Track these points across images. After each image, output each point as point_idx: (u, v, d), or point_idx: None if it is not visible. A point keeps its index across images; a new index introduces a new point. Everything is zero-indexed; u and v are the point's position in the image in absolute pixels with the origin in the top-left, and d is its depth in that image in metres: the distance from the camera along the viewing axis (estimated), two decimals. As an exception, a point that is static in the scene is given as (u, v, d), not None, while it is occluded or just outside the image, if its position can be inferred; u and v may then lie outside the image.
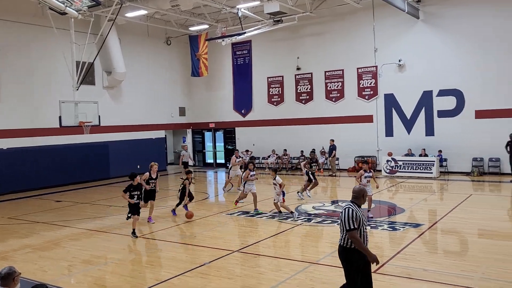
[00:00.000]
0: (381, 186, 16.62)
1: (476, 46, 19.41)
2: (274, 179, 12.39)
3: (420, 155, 20.25)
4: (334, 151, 22.01)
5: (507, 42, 18.68)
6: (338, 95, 23.48)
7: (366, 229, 5.65)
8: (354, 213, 5.49)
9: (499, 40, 18.88)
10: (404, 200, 15.05)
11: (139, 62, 25.23)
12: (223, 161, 27.78)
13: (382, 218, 12.20)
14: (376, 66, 22.16)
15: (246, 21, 22.64)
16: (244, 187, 13.70)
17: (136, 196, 11.14)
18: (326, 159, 22.78)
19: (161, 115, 26.55)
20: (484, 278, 7.46)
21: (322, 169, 22.62)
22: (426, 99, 20.95)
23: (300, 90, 24.71)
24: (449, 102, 20.29)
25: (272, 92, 25.75)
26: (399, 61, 21.39)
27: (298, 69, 24.56)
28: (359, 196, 5.72)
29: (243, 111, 26.87)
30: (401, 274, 7.73)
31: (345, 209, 5.60)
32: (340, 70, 23.31)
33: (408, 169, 20.15)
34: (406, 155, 20.67)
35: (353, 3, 20.53)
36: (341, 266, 5.74)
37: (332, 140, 22.04)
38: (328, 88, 23.75)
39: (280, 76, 25.37)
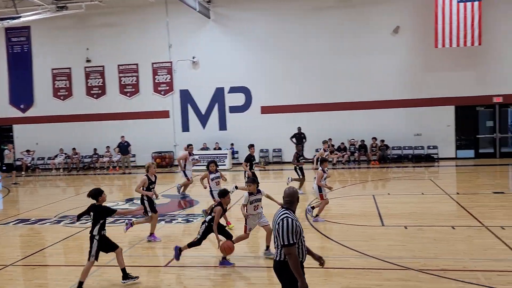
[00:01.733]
0: (179, 180, 16.67)
1: (260, 47, 21.26)
2: None
3: (214, 149, 21.19)
4: (129, 148, 21.30)
5: (286, 45, 20.98)
6: (133, 90, 22.73)
7: (304, 241, 4.71)
8: (294, 223, 4.52)
9: (280, 43, 21.07)
10: (200, 191, 15.38)
11: None
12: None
13: (177, 211, 12.21)
14: (171, 62, 22.22)
15: (22, 4, 19.88)
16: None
17: None
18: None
19: None
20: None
21: (118, 167, 21.65)
22: (218, 96, 22.00)
23: (91, 84, 23.03)
24: (239, 99, 21.76)
25: (58, 86, 23.34)
26: (193, 58, 21.91)
27: (88, 61, 22.85)
28: (293, 201, 4.76)
29: (22, 106, 23.64)
30: (191, 264, 7.76)
31: (282, 219, 4.56)
32: (134, 64, 22.60)
33: (204, 162, 20.76)
34: (202, 149, 21.34)
35: (145, -4, 20.13)
36: None
37: (123, 137, 21.26)
38: (122, 83, 22.77)
39: (67, 68, 23.19)
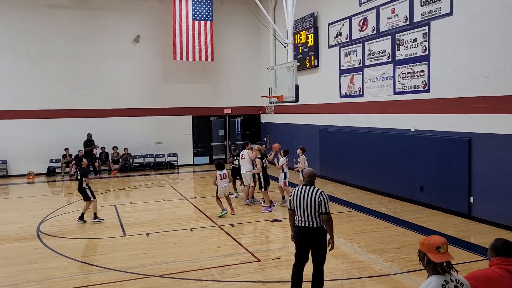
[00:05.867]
0: None
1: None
2: None
3: None
4: None
5: (15, 42, 18.31)
6: None
7: None
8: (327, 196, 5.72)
9: (7, 39, 18.24)
10: None
11: None
12: None
13: None
14: None
15: None
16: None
17: None
18: None
19: None
20: (-17, 289, 6.67)
21: None
22: None
23: None
24: None
25: None
26: None
27: None
28: (313, 179, 5.83)
29: None
30: None
31: (321, 193, 5.63)
32: None
33: None
34: None
35: None
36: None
37: None
38: None
39: None
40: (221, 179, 10.86)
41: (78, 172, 10.88)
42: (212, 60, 20.11)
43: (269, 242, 9.01)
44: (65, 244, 8.85)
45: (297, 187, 5.83)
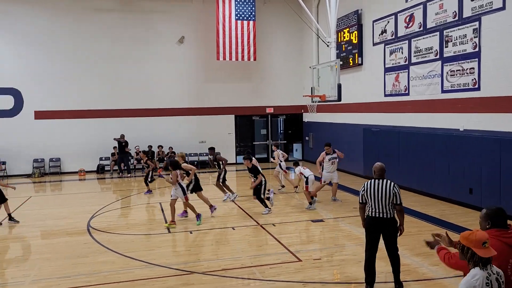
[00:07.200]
0: None
1: (33, 45, 18.92)
2: None
3: (-26, 160, 17.85)
4: None
5: (64, 45, 19.19)
6: None
7: None
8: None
9: (57, 42, 19.14)
10: None
11: None
12: None
13: None
14: None
15: None
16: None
17: None
18: None
19: None
20: (36, 280, 7.04)
21: None
22: (-21, 97, 18.67)
23: None
24: (6, 102, 18.88)
25: None
26: None
27: None
28: (384, 172, 6.16)
29: None
30: None
31: (395, 185, 6.07)
32: None
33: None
34: (-44, 160, 17.73)
35: None
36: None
37: None
38: None
39: None
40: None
41: None
42: (255, 59, 20.22)
43: (310, 243, 8.96)
44: (114, 240, 9.19)
45: (369, 181, 6.20)
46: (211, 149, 13.64)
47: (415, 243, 8.38)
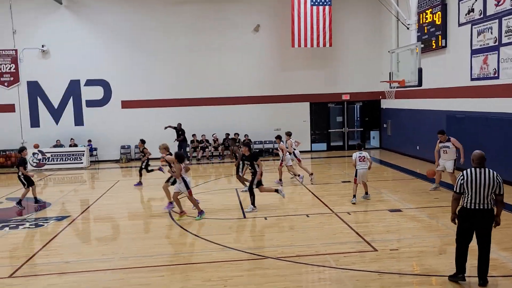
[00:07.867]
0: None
1: (119, 39, 20.15)
2: None
3: (70, 146, 19.52)
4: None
5: (147, 38, 20.23)
6: (-32, 80, 19.75)
7: None
8: None
9: (140, 36, 20.22)
10: (54, 193, 14.02)
11: None
12: None
13: (25, 216, 10.89)
14: (16, 50, 19.82)
15: None
16: None
17: None
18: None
19: None
20: (123, 257, 7.61)
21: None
22: (73, 88, 20.31)
23: None
24: (97, 92, 20.38)
25: None
26: (42, 46, 19.84)
27: None
28: (483, 161, 5.81)
29: None
30: (41, 272, 6.95)
31: (497, 174, 5.76)
32: (-31, 50, 19.64)
33: (57, 160, 19.05)
34: (55, 146, 19.50)
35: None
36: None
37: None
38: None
39: None
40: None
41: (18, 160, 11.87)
42: (330, 45, 19.85)
43: (387, 232, 8.72)
44: (193, 223, 9.63)
45: (468, 170, 5.85)
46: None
47: (503, 236, 7.84)
